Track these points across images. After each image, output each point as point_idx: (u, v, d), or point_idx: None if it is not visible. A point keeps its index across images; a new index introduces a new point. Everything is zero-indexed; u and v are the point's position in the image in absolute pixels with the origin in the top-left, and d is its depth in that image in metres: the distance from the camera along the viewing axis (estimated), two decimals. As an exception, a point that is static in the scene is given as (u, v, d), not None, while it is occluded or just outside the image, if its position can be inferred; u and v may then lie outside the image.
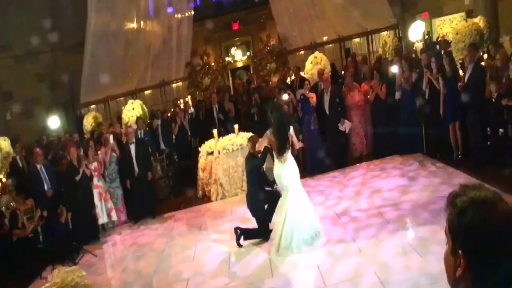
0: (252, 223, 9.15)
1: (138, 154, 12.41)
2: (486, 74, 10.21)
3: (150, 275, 8.79)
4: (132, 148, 12.42)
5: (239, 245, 8.90)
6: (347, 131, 12.27)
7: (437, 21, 18.29)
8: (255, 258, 8.42)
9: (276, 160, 8.43)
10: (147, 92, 20.43)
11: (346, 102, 12.57)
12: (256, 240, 8.99)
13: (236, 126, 13.06)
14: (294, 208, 8.29)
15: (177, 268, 8.81)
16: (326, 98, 12.46)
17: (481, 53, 12.26)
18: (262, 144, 8.62)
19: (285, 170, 8.34)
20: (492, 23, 14.38)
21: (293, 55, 20.90)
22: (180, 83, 21.36)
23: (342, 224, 8.78)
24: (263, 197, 8.96)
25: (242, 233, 8.97)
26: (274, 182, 8.86)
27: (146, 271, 9.03)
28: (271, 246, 8.52)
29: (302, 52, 20.31)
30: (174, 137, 14.49)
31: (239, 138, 12.45)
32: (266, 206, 9.00)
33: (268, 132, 8.47)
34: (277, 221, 8.48)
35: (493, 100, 9.44)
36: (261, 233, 8.98)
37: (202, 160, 12.74)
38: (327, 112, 12.37)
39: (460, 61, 11.69)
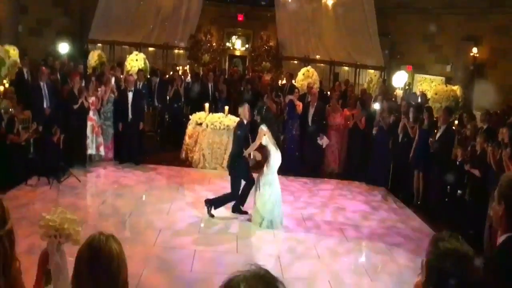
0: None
1: (134, 102, 12.08)
2: (455, 138, 10.42)
3: (126, 215, 8.62)
4: (130, 95, 12.11)
5: (211, 215, 8.83)
6: (324, 146, 12.26)
7: (419, 77, 18.61)
8: (223, 231, 8.36)
9: (273, 146, 8.62)
10: (151, 49, 20.05)
11: (328, 120, 12.57)
12: (228, 214, 8.95)
13: (226, 108, 12.91)
14: (277, 187, 8.59)
15: (152, 216, 8.65)
16: (311, 110, 12.40)
17: (453, 118, 12.51)
18: (258, 139, 8.64)
19: (277, 154, 8.60)
20: (468, 96, 14.77)
21: (287, 62, 20.91)
22: (181, 51, 21.00)
23: (306, 227, 8.76)
24: (243, 162, 8.95)
25: (213, 203, 8.88)
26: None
27: (123, 210, 8.85)
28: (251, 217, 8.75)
29: (295, 62, 20.31)
30: (168, 98, 14.25)
31: (227, 119, 12.24)
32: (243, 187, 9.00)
33: (263, 127, 8.59)
34: (261, 195, 8.57)
35: (457, 163, 9.59)
36: (231, 199, 8.96)
37: (190, 128, 12.52)
38: (310, 123, 12.33)
39: (435, 119, 11.88)
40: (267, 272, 1.64)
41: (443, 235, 2.29)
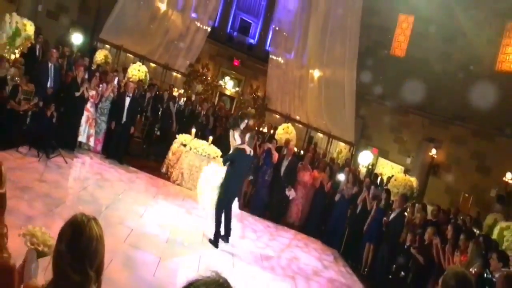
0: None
1: (130, 107, 11.91)
2: (405, 223, 10.56)
3: (103, 206, 8.28)
4: (127, 100, 11.90)
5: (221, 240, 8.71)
6: (290, 198, 12.26)
7: (381, 160, 19.05)
8: (188, 248, 8.07)
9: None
10: (153, 65, 19.95)
11: (298, 176, 12.57)
12: (194, 230, 8.81)
13: (211, 138, 12.82)
14: None
15: (126, 214, 8.34)
16: (285, 163, 12.40)
17: (407, 205, 12.73)
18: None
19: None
20: (421, 189, 15.14)
21: (270, 113, 21.15)
22: (179, 75, 20.97)
23: (262, 266, 8.50)
24: None
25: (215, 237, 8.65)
26: None
27: (101, 201, 8.51)
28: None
29: (278, 116, 20.59)
30: (160, 113, 14.12)
31: (210, 149, 12.16)
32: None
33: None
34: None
35: (406, 246, 9.68)
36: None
37: (175, 146, 12.34)
38: (282, 174, 12.32)
39: (391, 201, 12.05)
40: (225, 281, 1.66)
41: None
